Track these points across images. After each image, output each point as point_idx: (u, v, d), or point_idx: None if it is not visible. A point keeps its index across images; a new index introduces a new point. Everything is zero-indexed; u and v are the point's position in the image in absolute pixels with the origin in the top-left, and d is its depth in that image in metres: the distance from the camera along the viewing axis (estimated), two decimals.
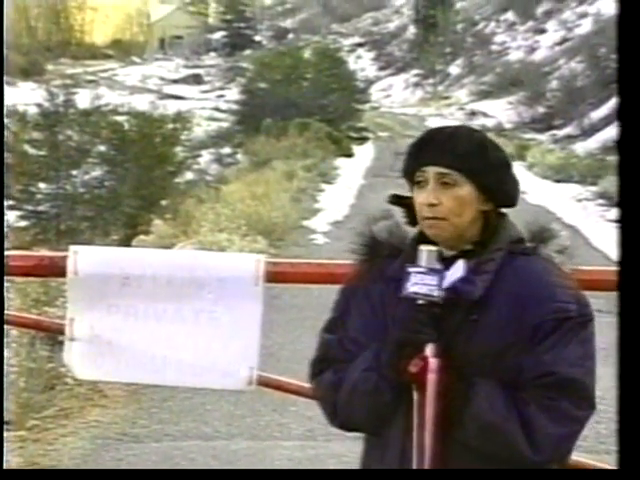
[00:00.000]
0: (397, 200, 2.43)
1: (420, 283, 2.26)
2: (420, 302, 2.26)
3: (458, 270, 2.31)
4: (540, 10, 61.55)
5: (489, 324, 2.28)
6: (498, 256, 2.32)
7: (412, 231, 2.44)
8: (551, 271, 2.32)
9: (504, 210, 2.41)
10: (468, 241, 2.34)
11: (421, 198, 2.32)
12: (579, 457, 3.35)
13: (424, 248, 2.29)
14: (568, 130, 38.46)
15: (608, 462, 3.30)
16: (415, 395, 2.27)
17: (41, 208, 18.37)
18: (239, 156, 29.02)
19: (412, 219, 2.41)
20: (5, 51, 37.88)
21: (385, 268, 2.40)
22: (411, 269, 2.28)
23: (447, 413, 2.24)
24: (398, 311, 2.30)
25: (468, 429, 2.24)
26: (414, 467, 2.28)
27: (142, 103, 24.16)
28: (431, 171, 2.32)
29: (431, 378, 2.24)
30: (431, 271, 2.27)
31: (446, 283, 2.28)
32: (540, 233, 2.38)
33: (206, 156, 26.19)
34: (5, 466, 3.89)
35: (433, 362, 2.24)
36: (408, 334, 2.26)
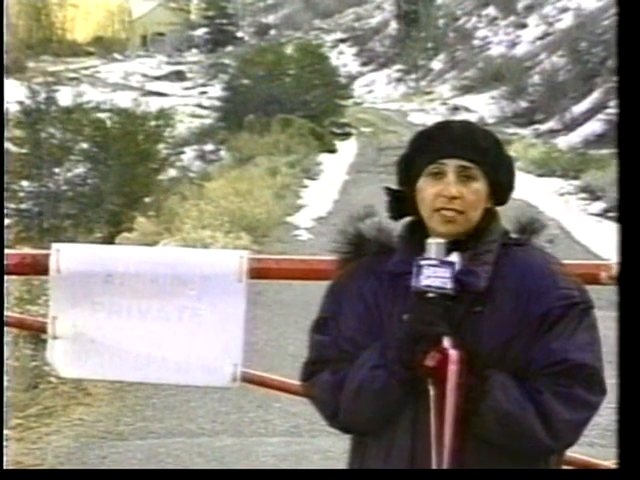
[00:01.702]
0: (391, 193, 2.44)
1: (433, 276, 2.25)
2: (431, 295, 2.25)
3: (455, 262, 2.31)
4: (521, 5, 61.63)
5: (494, 315, 2.28)
6: (494, 247, 2.34)
7: (396, 228, 2.44)
8: (549, 260, 2.36)
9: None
10: (464, 234, 2.34)
11: (436, 190, 2.31)
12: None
13: (432, 241, 2.29)
14: (550, 124, 38.51)
15: (591, 454, 3.32)
16: (432, 390, 2.25)
17: (24, 206, 18.33)
18: (222, 153, 29.00)
19: (399, 212, 2.41)
20: None
21: (375, 265, 2.39)
22: (423, 262, 2.27)
23: (466, 406, 2.24)
24: (405, 306, 2.29)
25: (487, 421, 2.24)
26: (433, 464, 2.25)
27: (124, 100, 24.07)
28: (452, 164, 2.32)
29: (452, 369, 2.22)
30: (443, 264, 2.27)
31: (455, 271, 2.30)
32: (531, 224, 2.40)
33: (189, 153, 26.16)
34: None
35: (454, 354, 2.22)
36: (424, 328, 2.24)
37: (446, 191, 2.30)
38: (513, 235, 2.39)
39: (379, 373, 2.28)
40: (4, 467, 3.83)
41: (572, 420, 2.24)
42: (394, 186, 2.45)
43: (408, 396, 2.28)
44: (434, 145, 2.35)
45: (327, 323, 2.42)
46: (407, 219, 2.42)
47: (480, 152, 2.33)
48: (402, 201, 2.40)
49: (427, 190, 2.33)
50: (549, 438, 2.22)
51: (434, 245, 2.28)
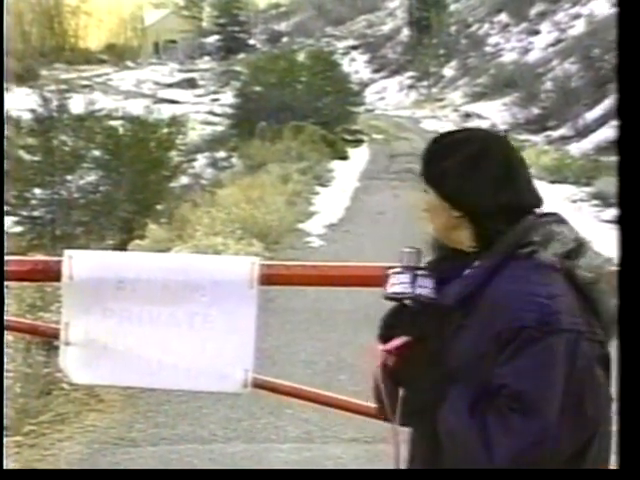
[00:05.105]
0: None
1: (397, 283, 2.34)
2: (396, 301, 2.35)
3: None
4: (533, 12, 61.58)
5: (468, 331, 2.29)
6: (489, 261, 2.30)
7: None
8: (525, 278, 2.26)
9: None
10: (466, 245, 2.36)
11: None
12: None
13: (406, 250, 2.38)
14: (562, 131, 38.43)
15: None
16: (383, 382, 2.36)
17: (36, 213, 18.35)
18: (234, 160, 28.99)
19: None
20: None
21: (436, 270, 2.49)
22: (390, 271, 2.37)
23: (428, 416, 2.28)
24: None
25: (439, 431, 2.26)
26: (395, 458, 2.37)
27: (136, 108, 24.11)
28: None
29: (382, 366, 2.33)
30: (405, 269, 2.34)
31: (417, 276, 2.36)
32: (545, 236, 2.33)
33: (201, 160, 26.19)
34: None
35: (394, 343, 2.31)
36: (385, 330, 2.35)
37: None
38: (522, 249, 2.30)
39: (377, 370, 2.38)
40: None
41: (509, 447, 2.16)
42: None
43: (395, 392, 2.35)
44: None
45: None
46: None
47: (424, 166, 2.40)
48: None
49: None
50: (488, 461, 2.17)
51: (406, 254, 2.38)
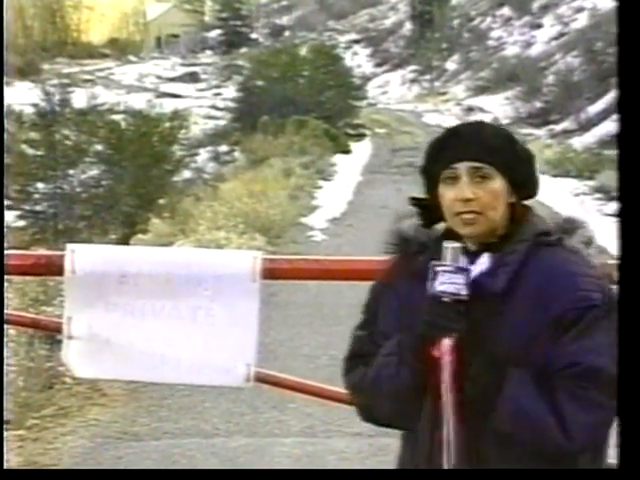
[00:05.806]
0: (416, 202, 2.46)
1: (447, 282, 2.27)
2: (445, 300, 2.28)
3: (483, 264, 2.34)
4: (536, 5, 61.50)
5: (514, 316, 2.29)
6: (522, 248, 2.34)
7: (437, 228, 2.46)
8: (574, 261, 2.33)
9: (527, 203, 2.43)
10: (495, 235, 2.36)
11: (453, 194, 2.33)
12: None
13: (449, 245, 2.30)
14: (565, 125, 38.40)
15: None
16: (442, 382, 2.29)
17: (39, 208, 18.38)
18: (236, 154, 29.00)
19: (429, 220, 2.44)
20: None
21: (412, 264, 2.42)
22: (438, 268, 2.29)
23: (482, 400, 2.26)
24: (423, 306, 2.32)
25: (502, 415, 2.25)
26: (444, 459, 2.29)
27: (139, 102, 24.15)
28: (463, 166, 2.33)
29: (446, 360, 2.26)
30: (458, 270, 2.28)
31: (471, 277, 2.31)
32: (564, 224, 2.40)
33: (203, 154, 26.21)
34: (5, 466, 3.89)
35: (447, 343, 2.26)
36: (436, 330, 2.28)
37: (461, 194, 2.32)
38: (546, 236, 2.37)
39: (392, 359, 2.35)
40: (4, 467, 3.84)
41: (587, 422, 2.23)
42: (417, 194, 2.48)
43: (422, 388, 2.32)
44: (445, 151, 2.37)
45: (367, 320, 2.51)
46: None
47: (491, 151, 2.34)
48: (430, 208, 2.42)
49: (445, 196, 2.35)
50: (563, 438, 2.22)
51: (450, 249, 2.30)
